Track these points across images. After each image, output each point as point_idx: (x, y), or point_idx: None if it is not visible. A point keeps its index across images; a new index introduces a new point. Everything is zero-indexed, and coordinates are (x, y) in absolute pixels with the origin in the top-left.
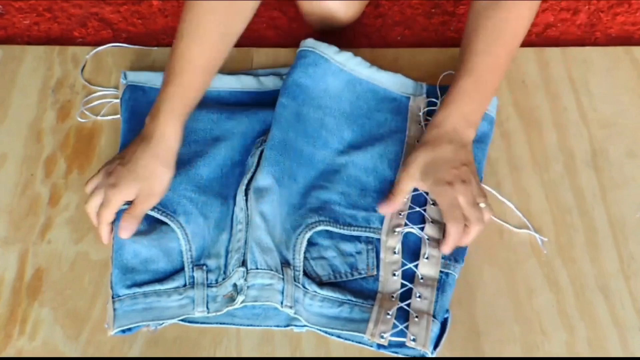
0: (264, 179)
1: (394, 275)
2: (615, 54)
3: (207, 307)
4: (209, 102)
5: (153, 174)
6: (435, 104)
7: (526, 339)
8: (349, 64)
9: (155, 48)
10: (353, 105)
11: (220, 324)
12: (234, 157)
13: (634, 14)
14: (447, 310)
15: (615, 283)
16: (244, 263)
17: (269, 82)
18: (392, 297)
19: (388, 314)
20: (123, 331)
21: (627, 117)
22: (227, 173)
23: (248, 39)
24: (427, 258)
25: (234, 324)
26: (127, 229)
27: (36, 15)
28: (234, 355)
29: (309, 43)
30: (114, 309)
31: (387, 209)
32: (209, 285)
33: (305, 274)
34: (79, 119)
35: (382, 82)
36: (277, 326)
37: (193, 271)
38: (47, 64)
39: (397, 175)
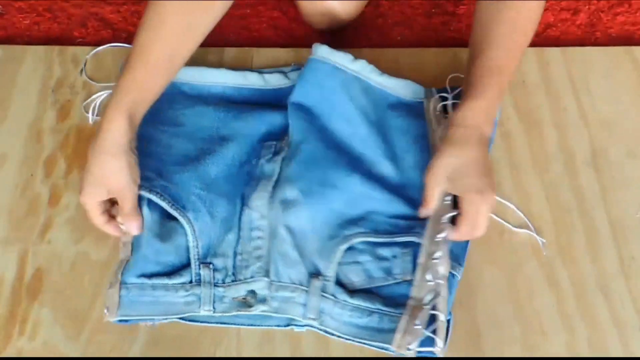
0: (290, 192)
1: (429, 281)
2: (615, 54)
3: (214, 307)
4: (215, 98)
5: (109, 170)
6: (446, 99)
7: (526, 339)
8: (364, 72)
9: None
10: (377, 115)
11: (221, 323)
12: (241, 158)
13: (634, 14)
14: (450, 312)
15: (616, 283)
16: (267, 274)
17: (274, 80)
18: (424, 303)
19: (417, 323)
20: (122, 320)
21: (628, 117)
22: (234, 173)
23: (248, 39)
24: (442, 257)
25: (235, 324)
26: (132, 228)
27: (36, 15)
28: (234, 355)
29: (323, 52)
30: (120, 296)
31: (423, 213)
32: (215, 285)
33: (337, 282)
34: (91, 123)
35: (394, 89)
36: (278, 326)
37: (199, 268)
38: (47, 64)
39: (424, 177)
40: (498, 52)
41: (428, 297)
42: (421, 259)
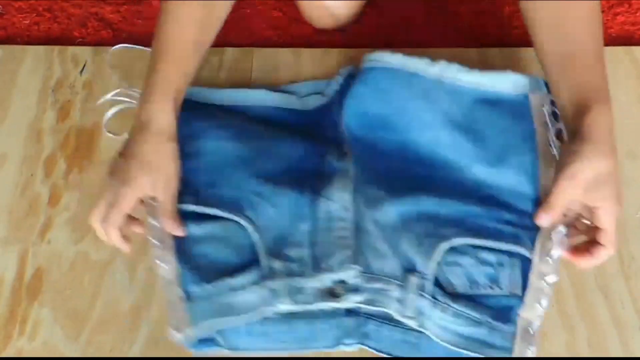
0: (374, 191)
1: (540, 305)
2: (615, 54)
3: (294, 299)
4: (259, 118)
5: (163, 157)
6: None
7: None
8: (447, 74)
9: None
10: (467, 117)
11: (266, 350)
12: (299, 152)
13: (634, 14)
14: None
15: (616, 283)
16: (357, 262)
17: (311, 101)
18: (531, 329)
19: (529, 348)
20: (200, 343)
21: (627, 117)
22: (295, 166)
23: (248, 39)
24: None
25: (282, 349)
26: (176, 230)
27: (36, 15)
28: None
29: (398, 61)
30: (187, 312)
31: (545, 220)
32: (291, 275)
33: (435, 283)
34: (108, 134)
35: (490, 85)
36: (326, 347)
37: (270, 261)
38: (47, 64)
39: (555, 183)
40: (594, 46)
41: (537, 323)
42: (533, 278)
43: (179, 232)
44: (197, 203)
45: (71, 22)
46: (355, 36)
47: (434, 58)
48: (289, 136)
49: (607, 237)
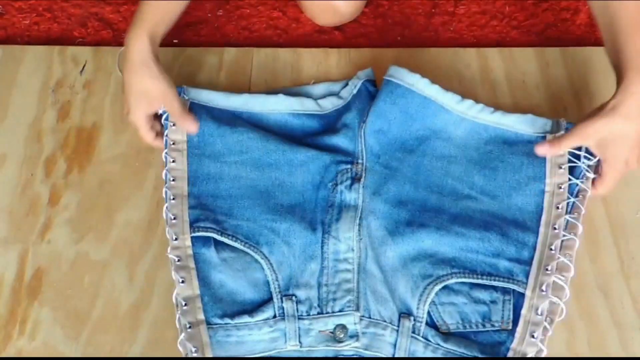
0: (377, 230)
1: (533, 337)
2: None
3: (300, 341)
4: (277, 125)
5: (146, 81)
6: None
7: None
8: (471, 112)
9: None
10: (481, 151)
11: None
12: (314, 181)
13: None
14: None
15: (616, 283)
16: (357, 308)
17: (327, 104)
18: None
19: None
20: None
21: None
22: (309, 198)
23: (248, 39)
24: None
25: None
26: (189, 127)
27: (36, 15)
28: None
29: (434, 92)
30: (209, 336)
31: (545, 151)
32: (300, 318)
33: (429, 323)
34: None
35: (511, 125)
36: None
37: (282, 302)
38: (47, 64)
39: (572, 128)
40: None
41: (530, 353)
42: (524, 311)
43: (194, 127)
44: (219, 233)
45: (71, 22)
46: (355, 36)
47: (434, 58)
48: (305, 160)
49: (603, 183)
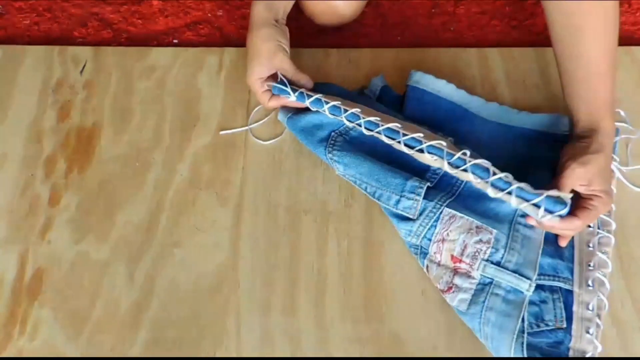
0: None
1: (589, 333)
2: None
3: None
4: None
5: (258, 43)
6: None
7: None
8: (497, 114)
9: (155, 48)
10: (508, 152)
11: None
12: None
13: (634, 14)
14: None
15: (616, 283)
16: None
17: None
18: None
19: None
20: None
21: (627, 117)
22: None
23: None
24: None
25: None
26: (304, 81)
27: (36, 15)
28: (234, 355)
29: (461, 97)
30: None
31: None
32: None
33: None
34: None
35: (537, 125)
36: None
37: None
38: (47, 64)
39: (568, 167)
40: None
41: (589, 352)
42: (575, 307)
43: (308, 83)
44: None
45: (71, 22)
46: (355, 36)
47: (434, 58)
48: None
49: (589, 216)
